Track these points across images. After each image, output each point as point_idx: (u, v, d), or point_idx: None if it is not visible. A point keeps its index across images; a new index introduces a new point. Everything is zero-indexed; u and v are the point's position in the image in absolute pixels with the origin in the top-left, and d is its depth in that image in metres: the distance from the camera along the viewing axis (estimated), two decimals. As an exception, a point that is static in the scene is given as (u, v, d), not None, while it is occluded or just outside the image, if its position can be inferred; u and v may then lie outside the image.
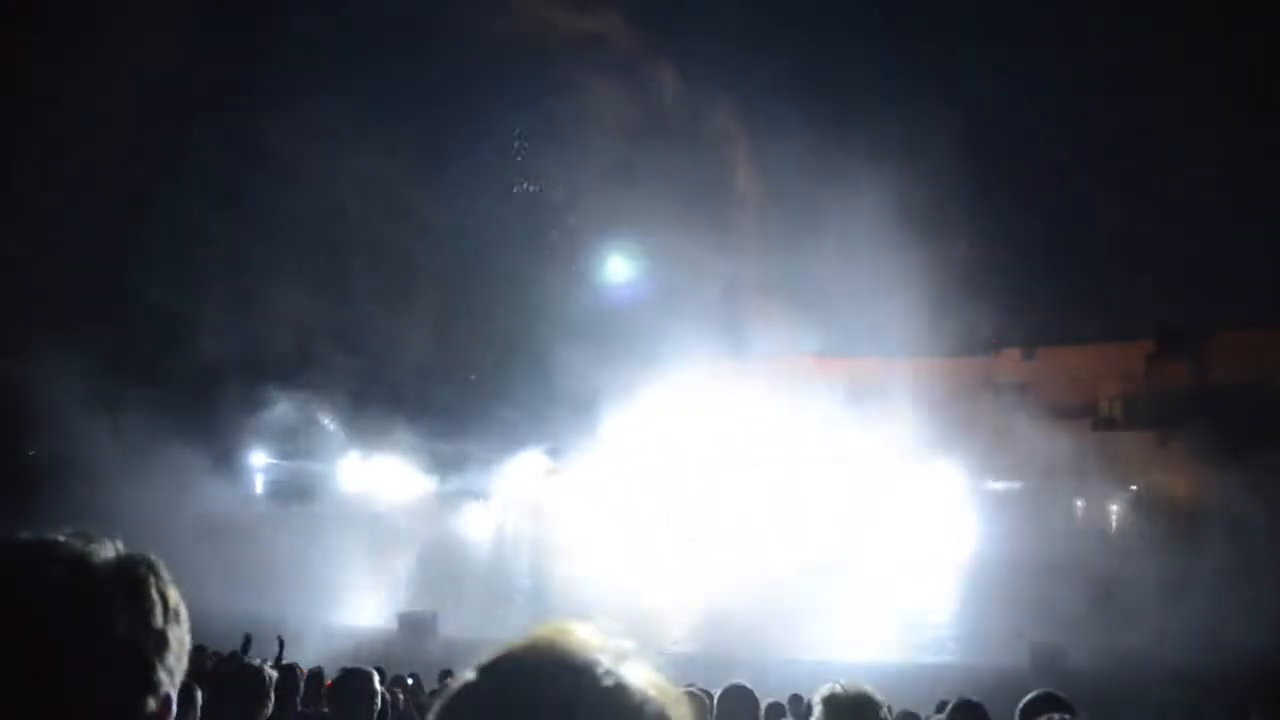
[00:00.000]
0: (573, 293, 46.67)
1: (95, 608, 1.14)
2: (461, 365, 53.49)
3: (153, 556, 1.24)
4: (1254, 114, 44.59)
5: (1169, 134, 45.92)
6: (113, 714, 1.14)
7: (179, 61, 40.36)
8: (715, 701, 5.41)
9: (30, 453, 35.72)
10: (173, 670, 1.20)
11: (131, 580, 1.19)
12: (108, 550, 1.21)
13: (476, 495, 46.02)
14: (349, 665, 5.97)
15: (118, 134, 39.68)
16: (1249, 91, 45.74)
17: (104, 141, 39.20)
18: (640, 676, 1.01)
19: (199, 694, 4.98)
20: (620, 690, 0.98)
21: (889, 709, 3.59)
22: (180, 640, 1.22)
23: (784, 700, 9.87)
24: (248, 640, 12.40)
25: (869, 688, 3.53)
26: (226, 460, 44.21)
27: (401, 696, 9.83)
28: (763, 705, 6.24)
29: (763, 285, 41.08)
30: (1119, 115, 47.87)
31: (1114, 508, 44.44)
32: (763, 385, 46.14)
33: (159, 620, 1.19)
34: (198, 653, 11.01)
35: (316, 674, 9.15)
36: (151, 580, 1.21)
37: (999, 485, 47.86)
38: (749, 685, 5.36)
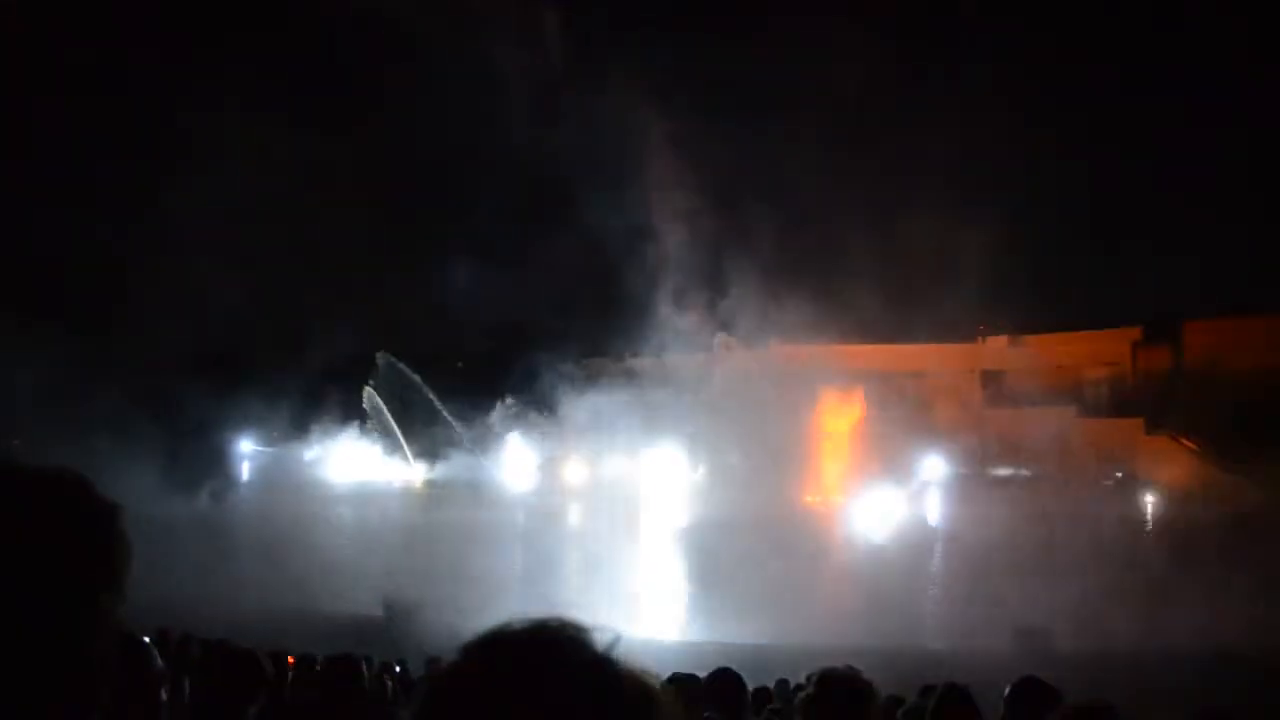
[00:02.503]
0: (564, 277, 46.59)
1: (40, 535, 1.07)
2: (451, 352, 53.38)
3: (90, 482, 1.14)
4: (1249, 110, 44.86)
5: (1161, 127, 46.13)
6: (59, 654, 1.06)
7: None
8: (703, 685, 5.43)
9: (15, 442, 35.56)
10: (118, 611, 1.12)
11: (79, 508, 1.11)
12: (50, 474, 1.12)
13: (464, 482, 46.03)
14: (336, 652, 5.97)
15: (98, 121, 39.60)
16: (1242, 90, 46.03)
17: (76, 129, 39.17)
18: (627, 661, 1.01)
19: (185, 684, 4.96)
20: (606, 673, 0.98)
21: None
22: (124, 579, 1.13)
23: (770, 685, 9.92)
24: None
25: (861, 670, 3.57)
26: (213, 447, 44.11)
27: (389, 683, 9.83)
28: (749, 689, 6.26)
29: (740, 273, 41.09)
30: (1113, 110, 48.04)
31: (1100, 493, 44.65)
32: (739, 374, 46.22)
33: (107, 552, 1.11)
34: (184, 641, 10.98)
35: (305, 660, 9.13)
36: (97, 509, 1.13)
37: (984, 471, 48.08)
38: (735, 669, 5.38)
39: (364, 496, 47.61)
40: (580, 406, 43.43)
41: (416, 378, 48.53)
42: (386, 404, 48.34)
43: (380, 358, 48.20)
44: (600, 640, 1.01)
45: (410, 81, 44.66)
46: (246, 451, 50.46)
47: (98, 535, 1.12)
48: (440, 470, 50.68)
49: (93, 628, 1.09)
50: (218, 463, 43.20)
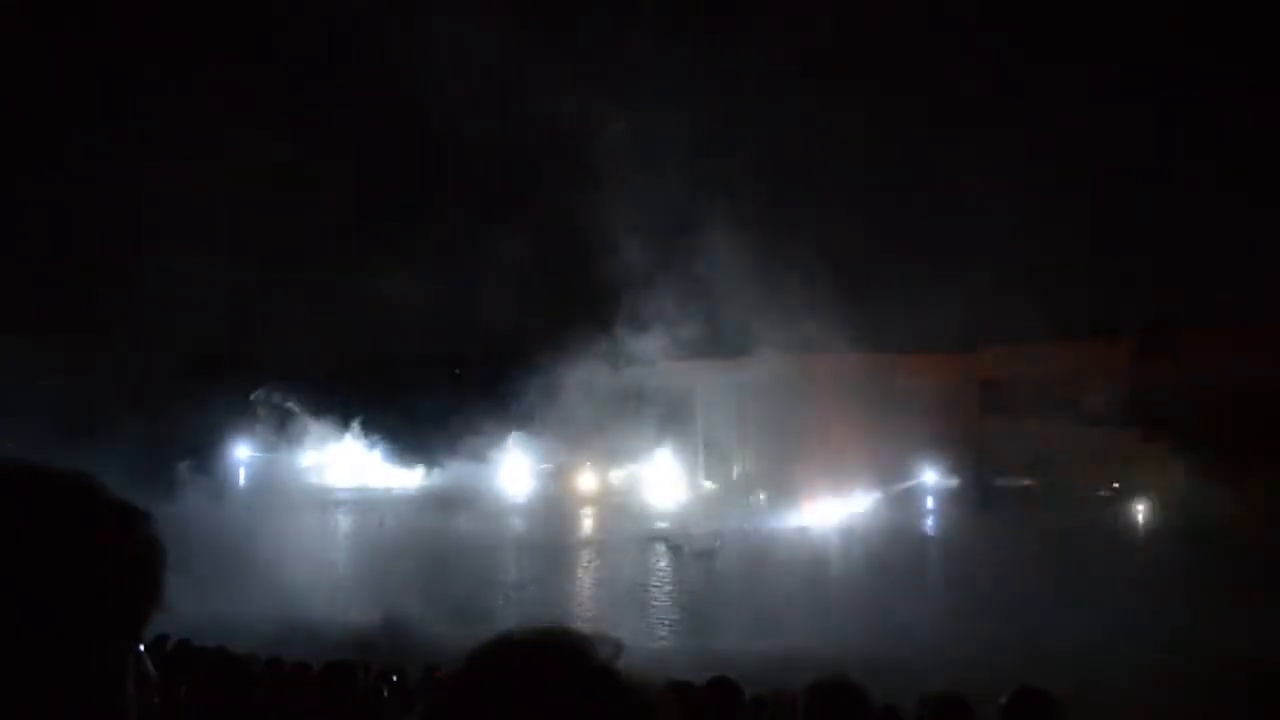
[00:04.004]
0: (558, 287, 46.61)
1: (110, 548, 1.12)
2: (450, 360, 53.36)
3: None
4: (1242, 115, 44.94)
5: (1160, 133, 46.21)
6: (109, 655, 1.10)
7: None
8: (700, 693, 5.42)
9: (9, 444, 35.53)
10: (136, 617, 1.16)
11: (136, 522, 1.17)
12: (113, 493, 1.18)
13: (464, 490, 45.97)
14: (334, 659, 5.97)
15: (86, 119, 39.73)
16: (1236, 97, 46.12)
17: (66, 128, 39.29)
18: (628, 670, 1.02)
19: (182, 690, 4.96)
20: (608, 682, 0.99)
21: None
22: (140, 584, 1.17)
23: (766, 693, 9.90)
24: None
25: (853, 676, 3.57)
26: (210, 454, 44.02)
27: (385, 690, 9.81)
28: (746, 697, 6.25)
29: (735, 284, 41.12)
30: (1113, 115, 48.11)
31: (1098, 503, 44.69)
32: (742, 383, 46.20)
33: (152, 567, 1.16)
34: (181, 647, 10.96)
35: (302, 667, 9.12)
36: (151, 529, 1.19)
37: (982, 481, 48.09)
38: (733, 678, 5.38)
39: (358, 502, 47.57)
40: (577, 414, 43.43)
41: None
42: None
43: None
44: (602, 649, 1.01)
45: (414, 85, 44.72)
46: (243, 457, 50.39)
47: (108, 539, 1.13)
48: (437, 476, 50.65)
49: (96, 631, 1.10)
50: (191, 458, 42.74)
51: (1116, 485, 45.68)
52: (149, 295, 40.30)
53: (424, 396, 48.12)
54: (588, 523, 44.74)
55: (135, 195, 41.14)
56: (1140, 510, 43.76)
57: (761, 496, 45.08)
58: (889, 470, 44.74)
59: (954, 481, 47.38)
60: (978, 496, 44.96)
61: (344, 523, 44.48)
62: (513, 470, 49.61)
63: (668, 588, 31.93)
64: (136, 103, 42.35)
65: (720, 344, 44.68)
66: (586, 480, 50.82)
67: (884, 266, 40.18)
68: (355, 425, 52.96)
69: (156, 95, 41.56)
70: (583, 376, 42.92)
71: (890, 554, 34.46)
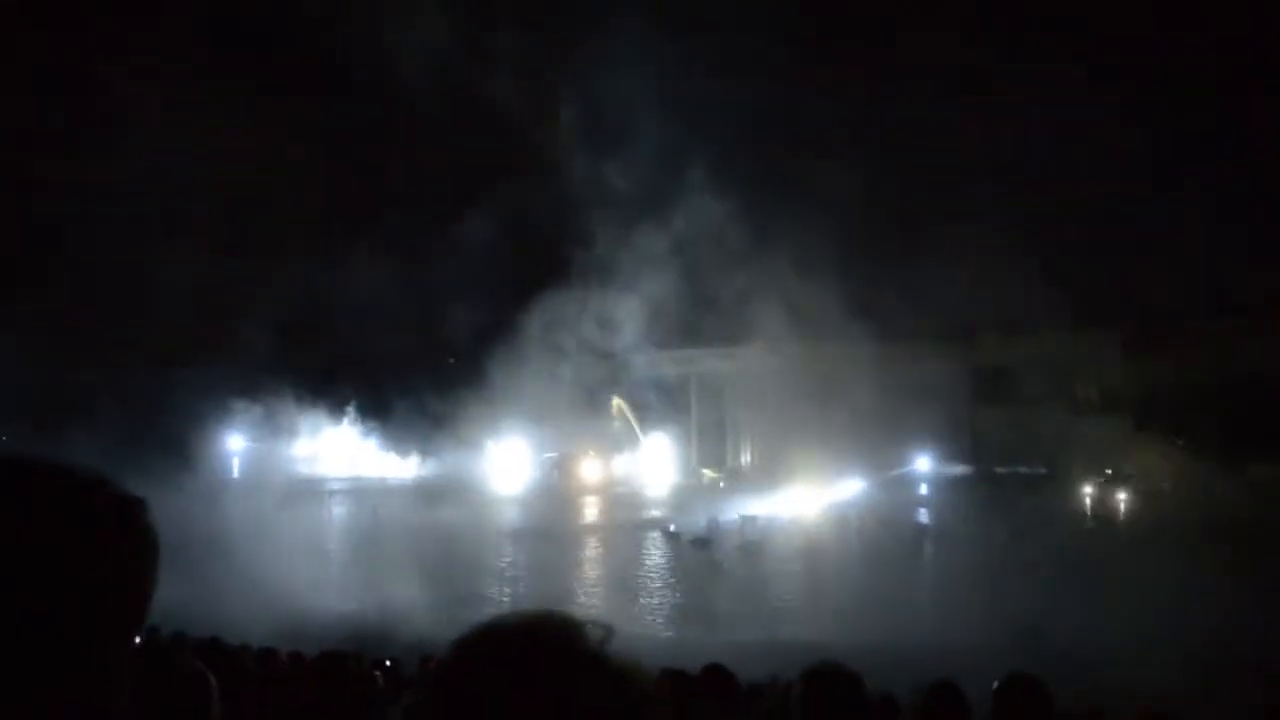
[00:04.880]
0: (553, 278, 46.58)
1: (112, 539, 1.11)
2: (443, 350, 53.32)
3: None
4: (1241, 112, 44.98)
5: (1158, 126, 46.24)
6: (106, 645, 1.09)
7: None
8: (695, 680, 5.43)
9: (3, 438, 35.56)
10: (133, 611, 1.14)
11: (136, 516, 1.15)
12: (116, 485, 1.16)
13: (460, 480, 45.98)
14: (329, 650, 5.98)
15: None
16: (1237, 94, 46.19)
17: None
18: (619, 656, 1.01)
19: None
20: (600, 667, 0.98)
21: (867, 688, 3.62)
22: (138, 577, 1.16)
23: (762, 681, 9.94)
24: None
25: (848, 664, 3.57)
26: (202, 444, 43.95)
27: (380, 679, 9.82)
28: (743, 685, 6.27)
29: (734, 272, 41.11)
30: (1107, 111, 48.13)
31: (1090, 491, 44.85)
32: (737, 371, 46.21)
33: (151, 559, 1.15)
34: (177, 639, 10.96)
35: (297, 658, 9.14)
36: (149, 520, 1.17)
37: (976, 468, 48.22)
38: (727, 665, 5.39)
39: (352, 492, 47.56)
40: (575, 404, 43.43)
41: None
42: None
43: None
44: (593, 635, 1.01)
45: (406, 80, 44.58)
46: (236, 448, 50.34)
47: (108, 537, 1.12)
48: (433, 466, 50.65)
49: (96, 630, 1.09)
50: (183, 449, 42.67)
51: (1110, 472, 45.86)
52: (137, 288, 40.26)
53: (417, 386, 48.10)
54: (584, 511, 44.77)
55: (123, 187, 41.02)
56: (1131, 498, 43.90)
57: (755, 484, 45.14)
58: (885, 457, 44.85)
59: (950, 469, 47.54)
60: (974, 484, 45.07)
61: (338, 513, 44.49)
62: (510, 459, 49.62)
63: (663, 575, 31.98)
64: (117, 96, 42.16)
65: (717, 332, 44.69)
66: (586, 469, 50.88)
67: (882, 255, 40.19)
68: (349, 414, 52.96)
69: (138, 88, 41.38)
70: (580, 365, 42.96)
71: (886, 541, 34.58)
